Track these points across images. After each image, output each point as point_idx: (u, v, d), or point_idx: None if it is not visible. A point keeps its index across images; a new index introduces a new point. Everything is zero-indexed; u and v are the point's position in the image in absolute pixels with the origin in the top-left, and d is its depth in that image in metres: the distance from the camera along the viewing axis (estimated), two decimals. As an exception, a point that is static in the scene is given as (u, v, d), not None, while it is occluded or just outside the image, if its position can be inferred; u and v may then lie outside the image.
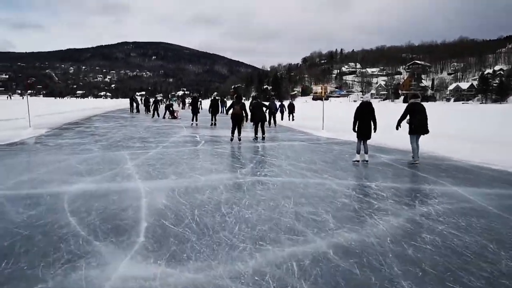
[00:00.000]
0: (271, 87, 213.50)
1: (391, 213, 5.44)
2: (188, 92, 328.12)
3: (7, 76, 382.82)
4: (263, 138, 14.75)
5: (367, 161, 9.76)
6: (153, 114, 30.78)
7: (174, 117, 28.77)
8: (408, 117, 9.69)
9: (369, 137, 9.78)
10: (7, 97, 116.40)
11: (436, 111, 38.56)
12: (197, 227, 4.77)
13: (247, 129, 17.06)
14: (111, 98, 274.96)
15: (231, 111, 14.27)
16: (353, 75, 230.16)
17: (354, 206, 5.81)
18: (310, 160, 10.14)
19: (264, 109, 15.76)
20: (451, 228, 4.83)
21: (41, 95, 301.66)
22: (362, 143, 9.79)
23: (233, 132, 14.31)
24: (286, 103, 29.70)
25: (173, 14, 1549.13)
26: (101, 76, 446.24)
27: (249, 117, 14.62)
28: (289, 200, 6.07)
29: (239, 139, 14.20)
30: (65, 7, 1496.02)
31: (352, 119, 9.99)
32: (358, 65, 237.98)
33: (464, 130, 17.64)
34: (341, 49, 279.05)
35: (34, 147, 12.11)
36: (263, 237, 4.45)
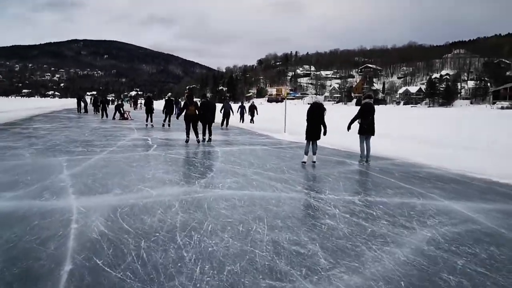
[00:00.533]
0: (226, 88, 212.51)
1: (391, 241, 4.35)
2: (142, 93, 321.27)
3: None
4: (210, 140, 14.29)
5: (314, 162, 9.72)
6: (102, 115, 28.76)
7: (125, 118, 26.93)
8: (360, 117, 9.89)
9: (318, 138, 9.81)
10: None
11: (391, 114, 38.81)
12: (143, 269, 3.47)
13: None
14: (60, 97, 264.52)
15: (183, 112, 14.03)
16: (308, 78, 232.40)
17: (343, 230, 4.67)
18: (278, 167, 8.99)
19: (220, 111, 14.89)
20: (473, 263, 3.79)
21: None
22: (311, 144, 9.86)
23: (188, 134, 13.94)
24: (246, 104, 28.33)
25: (129, 13, 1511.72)
26: (49, 74, 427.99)
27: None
28: (262, 222, 4.87)
29: (198, 141, 13.78)
30: (11, 2, 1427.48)
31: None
32: (313, 68, 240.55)
33: (422, 133, 17.09)
34: (296, 52, 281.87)
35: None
36: (236, 285, 3.23)
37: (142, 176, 7.50)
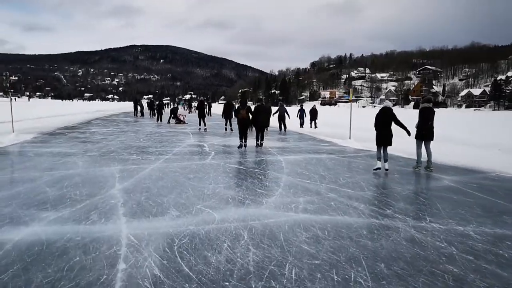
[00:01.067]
0: (279, 91, 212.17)
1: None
2: (196, 96, 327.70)
3: (16, 78, 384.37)
4: (261, 145, 13.83)
5: (387, 170, 9.21)
6: (158, 119, 28.57)
7: (180, 122, 26.52)
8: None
9: (389, 144, 9.37)
10: (11, 99, 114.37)
11: (455, 118, 36.04)
12: None
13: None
14: (119, 101, 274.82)
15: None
16: (362, 80, 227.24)
17: (476, 283, 3.40)
18: (354, 182, 7.75)
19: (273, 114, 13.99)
20: None
21: (50, 97, 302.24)
22: (382, 150, 9.40)
23: (241, 138, 13.41)
24: (307, 107, 26.74)
25: (185, 18, 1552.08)
26: (109, 79, 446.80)
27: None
28: (360, 267, 3.68)
29: (245, 146, 13.33)
30: (78, 10, 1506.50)
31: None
32: (368, 70, 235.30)
33: (499, 140, 15.05)
34: (350, 54, 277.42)
35: (2, 158, 9.88)
36: None
37: (201, 192, 6.53)
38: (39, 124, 22.03)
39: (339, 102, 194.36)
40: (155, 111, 30.55)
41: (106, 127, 21.78)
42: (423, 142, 9.49)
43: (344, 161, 10.77)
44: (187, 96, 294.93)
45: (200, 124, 21.40)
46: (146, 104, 39.51)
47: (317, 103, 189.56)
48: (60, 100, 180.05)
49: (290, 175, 8.41)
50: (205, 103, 28.57)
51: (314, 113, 24.44)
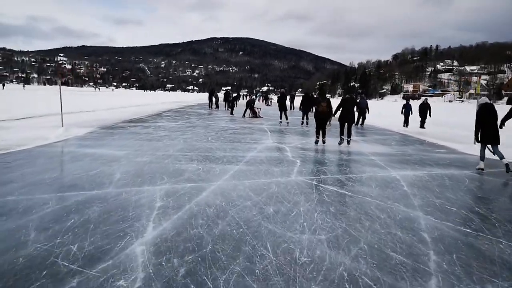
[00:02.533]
0: (358, 84, 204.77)
1: None
2: (273, 88, 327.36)
3: (105, 70, 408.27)
4: (348, 142, 12.25)
5: (507, 164, 8.30)
6: (231, 111, 26.15)
7: (256, 116, 23.88)
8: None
9: (497, 142, 8.57)
10: (95, 89, 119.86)
11: None
12: None
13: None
14: (198, 92, 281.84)
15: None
16: (449, 73, 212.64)
17: None
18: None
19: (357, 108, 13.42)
20: None
21: (134, 88, 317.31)
22: (492, 148, 8.63)
23: (318, 133, 12.25)
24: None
25: (266, 10, 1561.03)
26: (190, 70, 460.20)
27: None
28: None
29: (324, 142, 12.15)
30: (163, 3, 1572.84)
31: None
32: (455, 63, 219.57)
33: None
34: (437, 46, 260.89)
35: (26, 162, 7.65)
36: None
37: (289, 255, 3.62)
38: (107, 115, 20.53)
39: (423, 96, 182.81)
40: (231, 103, 28.29)
41: (175, 120, 19.66)
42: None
43: (492, 182, 7.33)
44: (265, 88, 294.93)
45: (281, 117, 20.69)
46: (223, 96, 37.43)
47: (398, 97, 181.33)
48: (143, 91, 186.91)
49: (427, 212, 5.17)
50: (287, 95, 25.80)
51: (425, 109, 19.57)
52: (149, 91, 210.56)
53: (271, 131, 15.78)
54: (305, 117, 20.08)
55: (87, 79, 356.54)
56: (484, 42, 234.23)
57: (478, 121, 8.79)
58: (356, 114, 14.16)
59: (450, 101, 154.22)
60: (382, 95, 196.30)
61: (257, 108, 24.86)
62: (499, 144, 8.59)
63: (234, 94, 30.97)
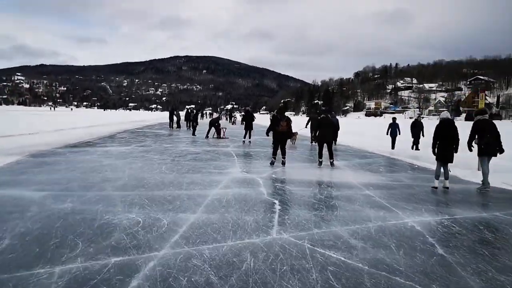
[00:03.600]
0: (321, 101, 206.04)
1: None
2: (237, 106, 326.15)
3: (65, 89, 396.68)
4: (332, 163, 11.54)
5: (447, 188, 8.27)
6: (193, 132, 23.81)
7: (220, 137, 21.69)
8: (476, 136, 8.61)
9: (450, 160, 8.41)
10: (50, 108, 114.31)
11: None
12: None
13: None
14: (162, 110, 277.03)
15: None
16: (409, 91, 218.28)
17: None
18: None
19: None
20: None
21: (96, 107, 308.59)
22: (442, 166, 8.48)
23: (275, 154, 11.66)
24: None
25: (231, 28, 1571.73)
26: (153, 89, 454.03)
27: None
28: None
29: (283, 163, 11.30)
30: (129, 22, 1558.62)
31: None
32: (415, 80, 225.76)
33: None
34: (396, 64, 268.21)
35: None
36: None
37: None
38: (50, 139, 17.84)
39: (385, 113, 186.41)
40: (192, 122, 26.04)
41: (127, 143, 17.16)
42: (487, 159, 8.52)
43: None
44: (229, 106, 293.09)
45: (245, 137, 19.79)
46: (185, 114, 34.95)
47: (361, 114, 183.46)
48: (102, 110, 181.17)
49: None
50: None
51: (418, 129, 17.33)
52: (111, 110, 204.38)
53: (238, 155, 13.63)
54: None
55: (45, 98, 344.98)
56: (441, 60, 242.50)
57: (436, 136, 8.59)
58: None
59: (411, 118, 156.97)
60: (345, 112, 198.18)
61: (223, 127, 22.67)
62: (451, 162, 8.49)
63: (194, 112, 28.74)
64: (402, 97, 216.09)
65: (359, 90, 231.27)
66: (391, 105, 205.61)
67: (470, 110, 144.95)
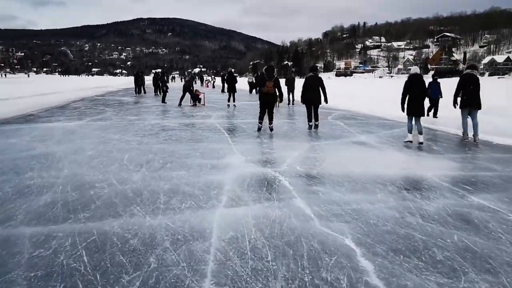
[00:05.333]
0: (291, 62, 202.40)
1: None
2: (205, 69, 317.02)
3: (23, 54, 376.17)
4: (316, 126, 10.64)
5: (421, 143, 8.24)
6: (163, 99, 20.08)
7: (196, 103, 18.16)
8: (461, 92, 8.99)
9: (421, 114, 8.62)
10: (1, 75, 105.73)
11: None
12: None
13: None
14: (127, 75, 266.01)
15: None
16: (378, 50, 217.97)
17: None
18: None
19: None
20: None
21: (57, 73, 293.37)
22: (414, 121, 8.60)
23: (261, 119, 10.22)
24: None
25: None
26: (117, 53, 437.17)
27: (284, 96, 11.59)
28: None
29: (271, 129, 10.07)
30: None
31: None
32: (383, 39, 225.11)
33: None
34: (364, 23, 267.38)
35: None
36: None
37: None
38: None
39: (355, 72, 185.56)
40: (162, 87, 22.22)
41: (81, 116, 13.39)
42: (469, 111, 8.87)
43: None
44: (197, 70, 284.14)
45: (229, 101, 18.12)
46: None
47: (331, 75, 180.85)
48: (63, 76, 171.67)
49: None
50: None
51: (436, 90, 13.47)
52: (73, 76, 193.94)
53: (229, 130, 10.27)
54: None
55: (2, 65, 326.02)
56: (408, 18, 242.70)
57: (405, 92, 8.66)
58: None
59: (380, 77, 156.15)
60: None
61: (199, 93, 19.00)
62: (423, 116, 8.69)
63: (160, 76, 24.75)
64: (371, 56, 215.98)
65: (328, 50, 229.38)
66: (361, 65, 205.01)
67: (438, 67, 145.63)
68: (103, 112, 14.84)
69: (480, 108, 8.81)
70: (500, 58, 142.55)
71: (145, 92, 28.22)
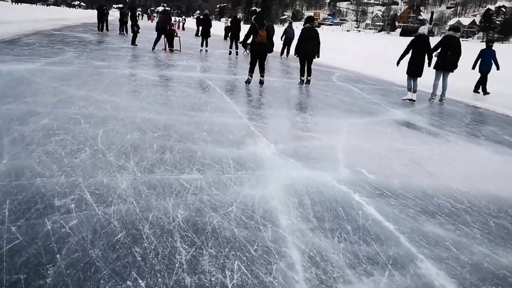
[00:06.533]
0: (260, 9, 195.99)
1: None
2: (169, 8, 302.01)
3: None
4: (308, 81, 10.10)
5: (414, 100, 8.83)
6: (133, 40, 17.14)
7: (173, 49, 15.70)
8: (439, 50, 8.98)
9: (420, 75, 8.88)
10: None
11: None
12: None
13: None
14: (86, 8, 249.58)
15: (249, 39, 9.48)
16: (347, 2, 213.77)
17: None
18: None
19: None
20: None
21: (9, 0, 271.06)
22: (412, 80, 8.93)
23: (252, 71, 9.47)
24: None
25: None
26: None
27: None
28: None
29: (261, 82, 9.46)
30: None
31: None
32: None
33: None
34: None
35: None
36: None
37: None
38: None
39: (323, 24, 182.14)
40: (129, 25, 19.27)
41: (36, 56, 10.70)
42: (443, 73, 9.01)
43: None
44: (160, 8, 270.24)
45: (202, 45, 16.99)
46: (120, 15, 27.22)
47: (299, 24, 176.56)
48: (12, 4, 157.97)
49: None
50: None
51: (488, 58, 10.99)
52: (26, 4, 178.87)
53: (227, 91, 8.24)
54: (233, 46, 17.12)
55: None
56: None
57: (407, 50, 8.83)
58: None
59: (347, 31, 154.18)
60: (283, 22, 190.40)
61: (174, 30, 16.44)
62: (420, 76, 8.86)
63: (129, 11, 21.52)
64: (341, 8, 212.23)
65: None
66: (329, 17, 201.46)
67: (406, 25, 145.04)
68: (62, 53, 12.19)
69: (452, 71, 9.05)
70: (466, 21, 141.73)
71: (107, 30, 25.00)
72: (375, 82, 11.63)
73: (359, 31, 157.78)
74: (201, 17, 20.53)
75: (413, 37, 9.01)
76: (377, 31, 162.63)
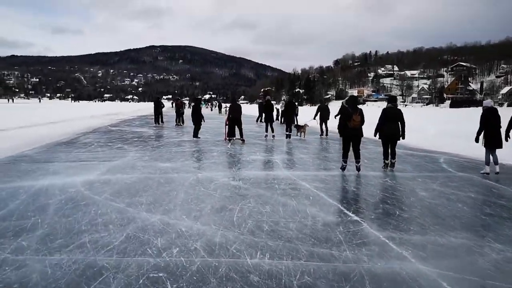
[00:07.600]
0: (303, 90, 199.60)
1: None
2: (215, 96, 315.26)
3: (38, 80, 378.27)
4: (392, 164, 9.48)
5: (498, 173, 8.38)
6: (196, 133, 15.76)
7: (232, 138, 14.24)
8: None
9: (500, 146, 8.53)
10: (8, 100, 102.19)
11: None
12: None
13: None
14: (138, 101, 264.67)
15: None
16: (391, 78, 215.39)
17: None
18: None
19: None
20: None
21: (70, 99, 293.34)
22: (490, 153, 8.57)
23: (345, 157, 8.97)
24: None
25: (213, 19, 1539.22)
26: (129, 79, 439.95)
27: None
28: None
29: (358, 169, 8.83)
30: (106, 11, 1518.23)
31: None
32: (396, 68, 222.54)
33: None
34: (376, 51, 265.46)
35: None
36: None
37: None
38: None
39: (368, 101, 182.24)
40: (185, 116, 18.23)
41: (94, 161, 9.46)
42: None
43: None
44: (207, 96, 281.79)
45: (266, 130, 16.55)
46: (174, 106, 26.59)
47: (336, 103, 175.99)
48: (75, 102, 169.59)
49: None
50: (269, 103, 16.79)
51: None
52: (84, 101, 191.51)
53: (344, 201, 6.23)
54: (288, 129, 16.63)
55: (17, 90, 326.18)
56: (421, 47, 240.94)
57: (482, 125, 8.61)
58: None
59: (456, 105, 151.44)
60: (327, 101, 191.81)
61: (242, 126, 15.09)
62: (500, 148, 8.53)
63: (192, 103, 20.56)
64: (384, 84, 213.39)
65: (340, 78, 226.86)
66: (374, 93, 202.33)
67: (455, 97, 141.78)
68: (122, 154, 10.82)
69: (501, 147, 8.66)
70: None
71: (162, 122, 24.39)
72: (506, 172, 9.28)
73: (405, 105, 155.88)
74: (263, 103, 19.25)
75: (482, 112, 8.79)
76: (425, 104, 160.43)
